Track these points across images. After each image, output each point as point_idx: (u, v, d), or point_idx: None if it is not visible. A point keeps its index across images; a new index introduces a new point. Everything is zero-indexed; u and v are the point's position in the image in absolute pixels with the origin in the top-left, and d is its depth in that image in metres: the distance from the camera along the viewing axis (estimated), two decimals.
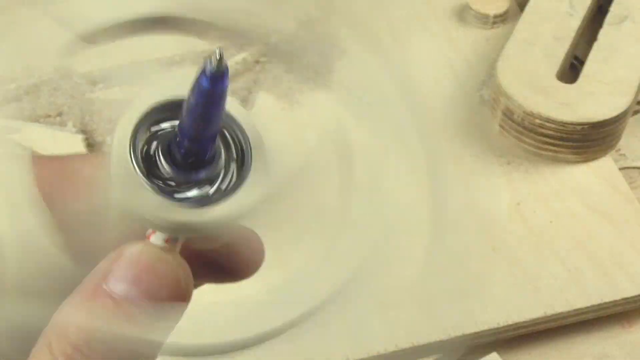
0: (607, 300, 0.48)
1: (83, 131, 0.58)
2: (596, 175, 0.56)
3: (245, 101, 0.59)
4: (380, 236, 0.30)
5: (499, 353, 0.47)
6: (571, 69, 0.61)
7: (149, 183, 0.25)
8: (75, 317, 0.25)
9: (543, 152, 0.56)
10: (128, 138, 0.25)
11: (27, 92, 0.61)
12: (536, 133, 0.55)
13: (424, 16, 0.67)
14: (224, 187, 0.26)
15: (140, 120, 0.25)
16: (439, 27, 0.66)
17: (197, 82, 0.23)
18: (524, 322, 0.48)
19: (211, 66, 0.23)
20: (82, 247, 0.27)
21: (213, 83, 0.23)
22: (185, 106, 0.24)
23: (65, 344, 0.24)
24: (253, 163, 0.26)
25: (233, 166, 0.26)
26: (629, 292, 0.49)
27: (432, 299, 0.49)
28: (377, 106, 0.30)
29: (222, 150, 0.26)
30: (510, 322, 0.47)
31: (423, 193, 0.29)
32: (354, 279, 0.28)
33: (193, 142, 0.25)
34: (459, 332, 0.47)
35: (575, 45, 0.61)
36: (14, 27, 0.62)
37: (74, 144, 0.57)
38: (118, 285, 0.25)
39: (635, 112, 0.61)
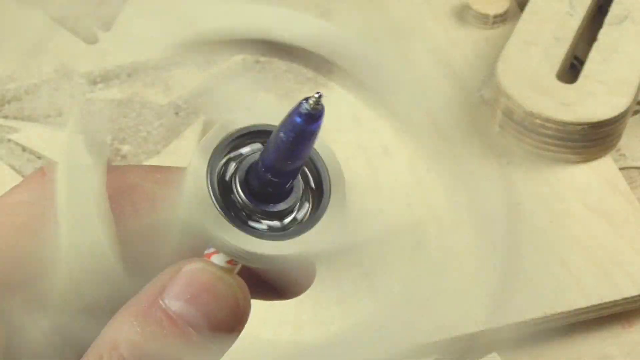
0: (607, 300, 0.48)
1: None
2: (596, 175, 0.56)
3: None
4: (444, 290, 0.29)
5: (499, 353, 0.47)
6: (571, 69, 0.61)
7: (223, 210, 0.24)
8: (128, 331, 0.24)
9: (543, 152, 0.56)
10: (206, 163, 0.25)
11: (27, 92, 0.61)
12: (536, 133, 0.55)
13: (424, 16, 0.67)
14: (298, 219, 0.25)
15: (218, 146, 0.25)
16: (439, 27, 0.66)
17: (291, 118, 0.23)
18: (525, 322, 0.48)
19: (308, 106, 0.23)
20: (137, 260, 0.26)
21: (307, 122, 0.23)
22: (272, 139, 0.24)
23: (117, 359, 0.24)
24: (331, 199, 0.26)
25: (310, 200, 0.26)
26: (629, 292, 0.49)
27: (432, 299, 0.49)
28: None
29: (301, 183, 0.26)
30: (510, 322, 0.47)
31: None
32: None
33: (275, 175, 0.24)
34: (459, 332, 0.47)
35: (575, 45, 0.61)
36: (14, 27, 0.62)
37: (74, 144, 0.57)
38: (175, 302, 0.24)
39: (635, 112, 0.61)
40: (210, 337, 0.24)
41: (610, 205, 0.54)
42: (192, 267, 0.25)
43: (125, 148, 0.57)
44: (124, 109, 0.59)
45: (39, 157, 0.56)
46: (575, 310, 0.48)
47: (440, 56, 0.64)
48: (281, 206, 0.25)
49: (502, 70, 0.57)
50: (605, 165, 0.56)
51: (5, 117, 0.59)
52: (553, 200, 0.54)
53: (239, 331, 0.25)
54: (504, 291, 0.27)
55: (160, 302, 0.24)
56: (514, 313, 0.48)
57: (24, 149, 0.57)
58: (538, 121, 0.54)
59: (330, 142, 0.27)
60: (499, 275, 0.30)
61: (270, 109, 0.26)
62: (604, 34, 0.60)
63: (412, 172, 0.55)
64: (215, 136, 0.25)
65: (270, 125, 0.25)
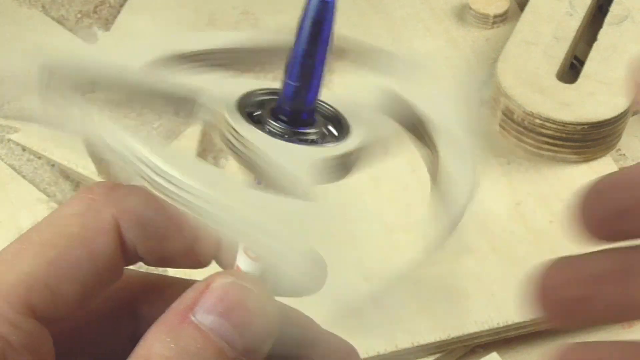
0: None
1: None
2: (596, 175, 0.55)
3: None
4: None
5: (499, 353, 0.47)
6: (571, 69, 0.61)
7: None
8: (161, 347, 0.24)
9: (543, 152, 0.56)
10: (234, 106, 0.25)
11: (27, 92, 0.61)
12: (536, 133, 0.55)
13: (424, 16, 0.67)
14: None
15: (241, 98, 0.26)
16: (439, 27, 0.66)
17: (307, 4, 0.24)
18: (524, 322, 0.48)
19: None
20: None
21: None
22: (295, 33, 0.24)
23: None
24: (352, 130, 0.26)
25: (331, 132, 0.26)
26: None
27: (432, 299, 0.49)
28: None
29: (321, 119, 0.26)
30: (510, 322, 0.47)
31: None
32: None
33: (297, 78, 0.24)
34: (459, 332, 0.47)
35: (575, 45, 0.61)
36: (14, 27, 0.62)
37: (74, 144, 0.57)
38: (207, 317, 0.24)
39: (635, 112, 0.61)
40: (243, 352, 0.24)
41: None
42: (222, 282, 0.25)
43: None
44: (124, 109, 0.59)
45: (39, 157, 0.56)
46: None
47: (440, 56, 0.64)
48: (307, 130, 0.25)
49: (502, 70, 0.57)
50: (605, 165, 0.56)
51: (5, 117, 0.59)
52: (553, 200, 0.54)
53: (269, 344, 0.25)
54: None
55: (192, 317, 0.24)
56: (514, 313, 0.48)
57: (24, 149, 0.57)
58: (538, 121, 0.54)
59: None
60: None
61: None
62: (604, 34, 0.60)
63: (412, 172, 0.55)
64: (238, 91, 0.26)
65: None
